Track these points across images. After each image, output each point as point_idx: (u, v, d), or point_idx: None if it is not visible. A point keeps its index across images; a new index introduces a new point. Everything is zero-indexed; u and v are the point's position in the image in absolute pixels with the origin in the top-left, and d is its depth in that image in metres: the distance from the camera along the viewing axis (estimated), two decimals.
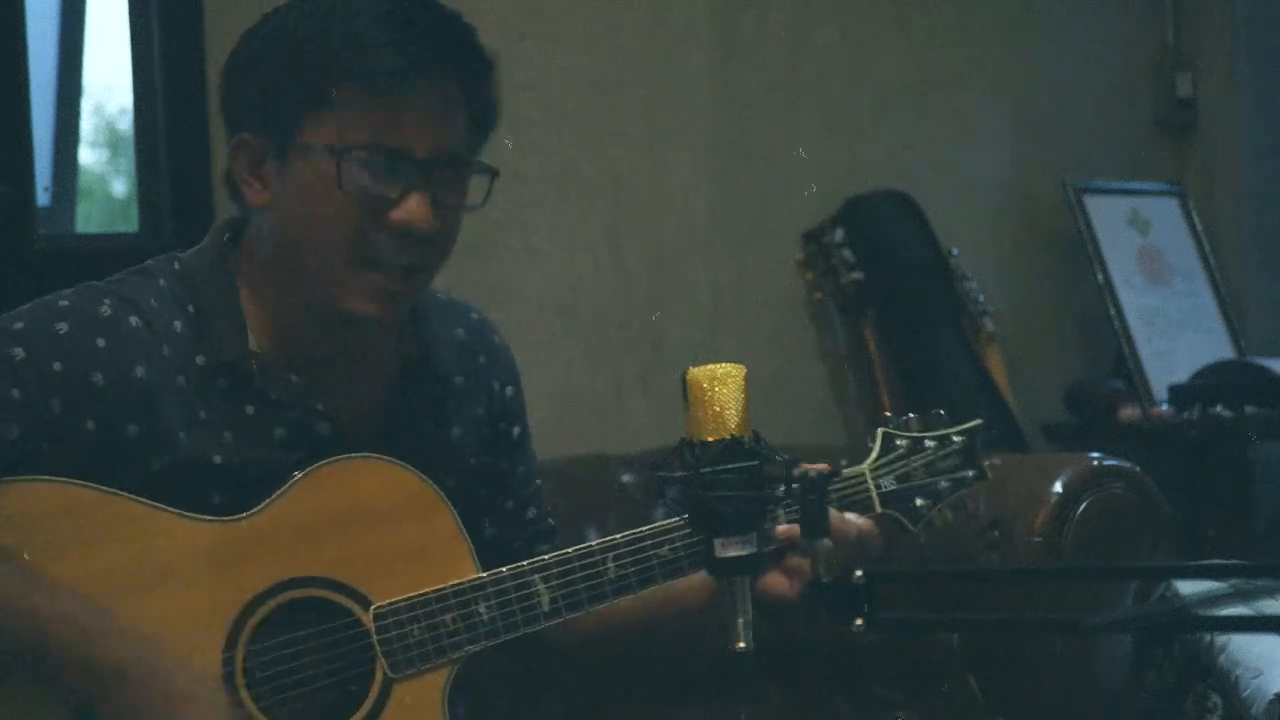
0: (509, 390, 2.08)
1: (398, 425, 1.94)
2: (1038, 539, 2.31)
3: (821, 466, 1.71)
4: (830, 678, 2.49)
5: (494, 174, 1.89)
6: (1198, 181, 4.12)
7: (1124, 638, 2.45)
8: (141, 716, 1.72)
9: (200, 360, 1.85)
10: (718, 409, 1.55)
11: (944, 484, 2.01)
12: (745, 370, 1.57)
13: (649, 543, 1.92)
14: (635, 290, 3.38)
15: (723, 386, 1.55)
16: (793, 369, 3.56)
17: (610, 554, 1.92)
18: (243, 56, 1.88)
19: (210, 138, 2.90)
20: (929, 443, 2.02)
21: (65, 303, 1.83)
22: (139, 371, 1.81)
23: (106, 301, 1.84)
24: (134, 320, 1.83)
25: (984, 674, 2.37)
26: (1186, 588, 2.29)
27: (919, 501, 2.00)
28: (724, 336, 3.45)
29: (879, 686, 2.46)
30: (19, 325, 1.80)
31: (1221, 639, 2.54)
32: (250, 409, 1.86)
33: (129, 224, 3.14)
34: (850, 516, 1.95)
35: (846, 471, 2.00)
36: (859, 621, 1.46)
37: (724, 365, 1.57)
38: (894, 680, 2.45)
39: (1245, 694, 2.50)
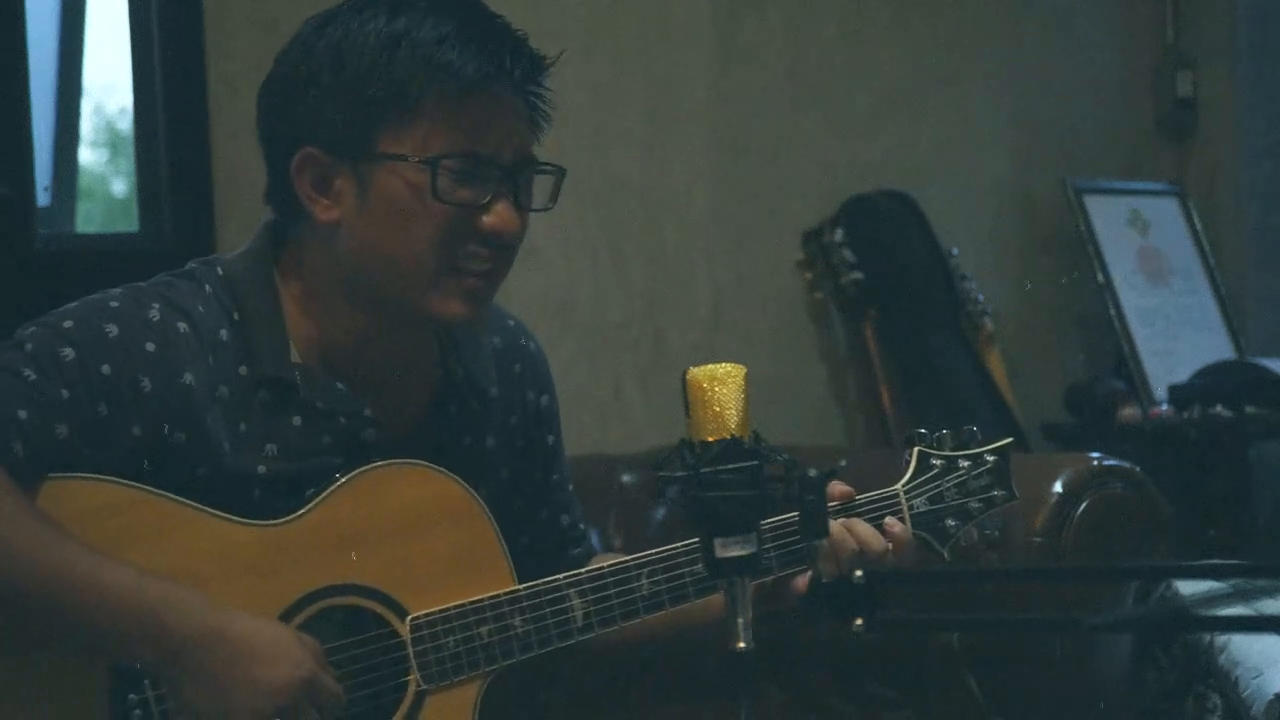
0: (544, 399, 2.07)
1: (438, 434, 1.94)
2: (1038, 539, 2.31)
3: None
4: (830, 678, 2.49)
5: (562, 173, 1.91)
6: (1198, 181, 4.12)
7: (1124, 638, 2.45)
8: (221, 678, 1.70)
9: (243, 370, 1.84)
10: (718, 409, 1.55)
11: (975, 504, 2.00)
12: (745, 370, 1.57)
13: (683, 559, 1.91)
14: (635, 290, 3.38)
15: (723, 386, 1.55)
16: (793, 369, 3.56)
17: (645, 570, 1.91)
18: (298, 73, 1.85)
19: (210, 138, 2.90)
20: (963, 462, 2.01)
21: (115, 304, 1.82)
22: (187, 378, 1.80)
23: (155, 306, 1.82)
24: (182, 326, 1.82)
25: (984, 674, 2.37)
26: (1186, 588, 2.28)
27: (950, 522, 2.00)
28: (724, 336, 3.45)
29: (879, 686, 2.46)
30: (68, 324, 1.79)
31: (1221, 639, 2.54)
32: (297, 419, 1.85)
33: (129, 224, 3.14)
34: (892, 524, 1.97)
35: (881, 491, 1.99)
36: (859, 621, 1.46)
37: (724, 365, 1.56)
38: (894, 680, 2.45)
39: (1245, 694, 2.50)
